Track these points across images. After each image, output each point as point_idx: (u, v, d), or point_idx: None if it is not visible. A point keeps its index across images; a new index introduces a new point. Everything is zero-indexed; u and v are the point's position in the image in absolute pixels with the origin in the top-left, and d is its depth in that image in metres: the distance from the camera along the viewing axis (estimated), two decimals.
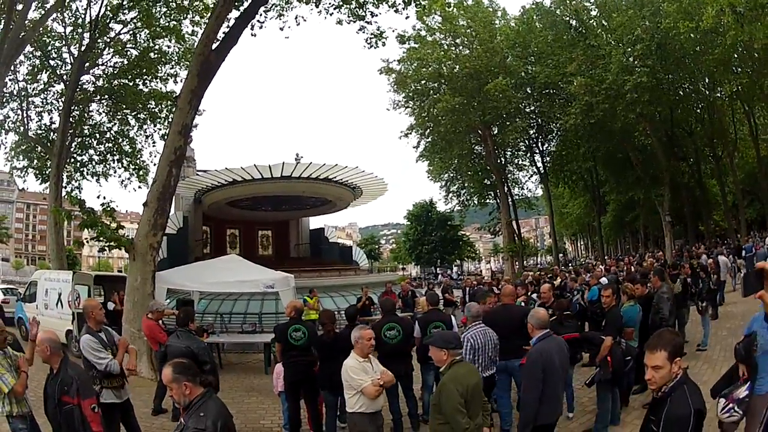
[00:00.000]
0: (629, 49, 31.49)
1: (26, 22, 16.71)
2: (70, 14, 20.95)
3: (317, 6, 17.26)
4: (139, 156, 25.26)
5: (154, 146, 24.94)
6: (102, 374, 6.00)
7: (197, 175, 30.45)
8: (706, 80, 34.79)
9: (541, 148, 44.34)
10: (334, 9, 17.20)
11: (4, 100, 20.73)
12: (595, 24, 35.03)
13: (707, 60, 29.85)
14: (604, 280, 13.68)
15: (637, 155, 38.36)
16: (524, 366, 5.52)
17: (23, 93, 22.06)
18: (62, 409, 4.88)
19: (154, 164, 24.01)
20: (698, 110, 38.69)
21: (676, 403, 3.15)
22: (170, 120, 20.56)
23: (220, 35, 13.79)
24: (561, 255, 69.13)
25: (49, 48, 21.59)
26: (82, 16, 20.78)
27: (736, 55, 29.93)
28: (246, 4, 14.97)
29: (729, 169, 38.75)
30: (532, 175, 46.61)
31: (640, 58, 30.99)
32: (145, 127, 24.73)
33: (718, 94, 34.93)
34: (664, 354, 3.16)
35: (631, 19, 30.86)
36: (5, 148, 23.20)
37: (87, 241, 15.54)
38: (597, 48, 32.85)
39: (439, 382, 4.76)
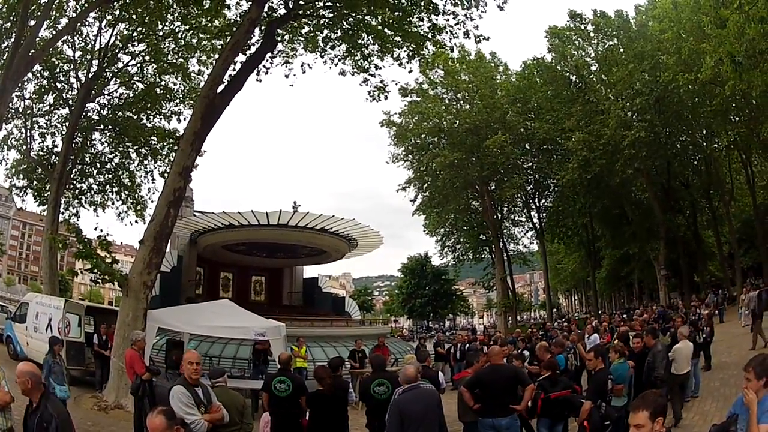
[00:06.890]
0: (628, 104, 32.08)
1: (37, 40, 16.71)
2: (80, 39, 21.20)
3: (323, 56, 17.55)
4: (137, 190, 25.30)
5: (153, 183, 24.94)
6: None
7: (194, 215, 30.33)
8: (704, 132, 35.34)
9: (537, 204, 44.80)
10: (340, 59, 17.49)
11: (9, 115, 20.72)
12: (594, 79, 35.74)
13: (705, 111, 30.39)
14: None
15: (633, 210, 38.64)
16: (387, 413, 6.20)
17: (28, 111, 22.19)
18: None
19: (152, 200, 24.18)
20: (695, 162, 39.00)
21: None
22: (171, 158, 20.77)
23: (226, 78, 14.01)
24: (555, 310, 68.82)
25: (57, 70, 21.76)
26: (92, 42, 21.07)
27: (734, 105, 29.82)
28: (253, 50, 15.28)
29: (725, 219, 38.50)
30: (527, 231, 46.94)
31: (639, 112, 31.62)
32: (145, 162, 24.75)
33: (716, 145, 35.16)
34: (646, 414, 3.30)
35: (631, 73, 31.46)
36: (6, 164, 23.38)
37: (81, 272, 15.46)
38: (596, 103, 33.48)
39: None
